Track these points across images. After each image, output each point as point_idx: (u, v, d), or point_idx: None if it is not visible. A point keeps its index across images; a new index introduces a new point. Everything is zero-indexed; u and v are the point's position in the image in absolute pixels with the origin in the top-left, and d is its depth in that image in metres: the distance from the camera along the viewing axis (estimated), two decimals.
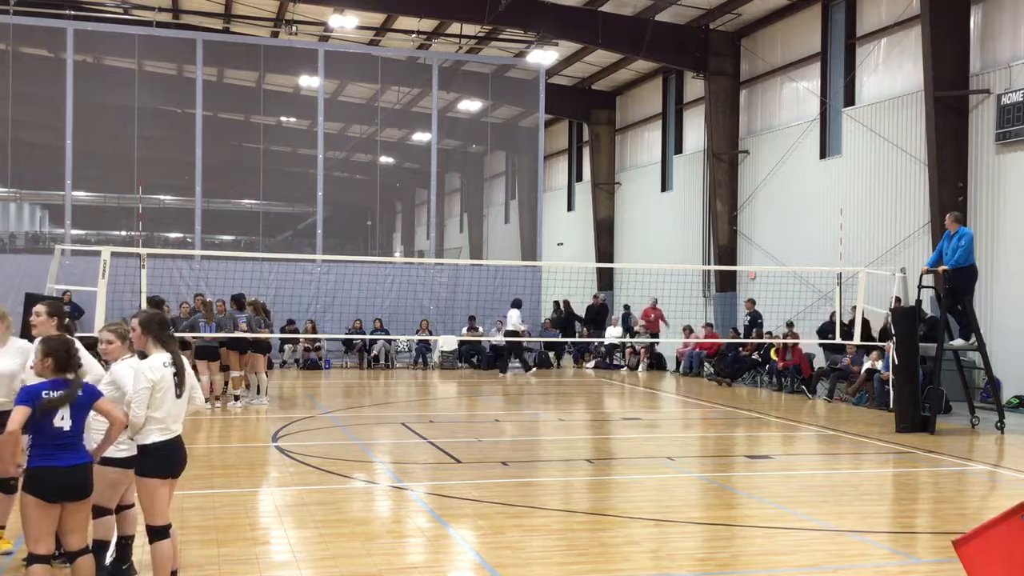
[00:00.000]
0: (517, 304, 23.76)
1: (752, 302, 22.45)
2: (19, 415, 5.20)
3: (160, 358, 5.80)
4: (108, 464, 5.91)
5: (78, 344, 6.50)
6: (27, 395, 5.29)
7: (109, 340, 6.07)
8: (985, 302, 17.24)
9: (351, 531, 7.74)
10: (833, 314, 18.10)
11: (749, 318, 22.29)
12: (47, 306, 6.59)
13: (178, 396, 5.84)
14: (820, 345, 19.43)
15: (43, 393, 5.28)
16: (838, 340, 17.88)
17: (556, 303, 27.40)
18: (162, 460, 5.76)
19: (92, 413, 5.55)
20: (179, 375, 5.84)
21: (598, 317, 27.30)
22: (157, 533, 5.77)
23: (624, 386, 21.39)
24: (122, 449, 5.96)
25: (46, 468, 5.26)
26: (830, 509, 8.78)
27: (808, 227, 22.31)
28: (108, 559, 6.37)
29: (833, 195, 21.53)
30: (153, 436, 5.72)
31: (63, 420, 5.31)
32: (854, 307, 17.51)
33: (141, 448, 5.76)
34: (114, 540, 6.45)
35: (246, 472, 10.45)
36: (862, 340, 17.07)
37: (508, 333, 23.69)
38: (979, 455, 12.24)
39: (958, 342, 14.54)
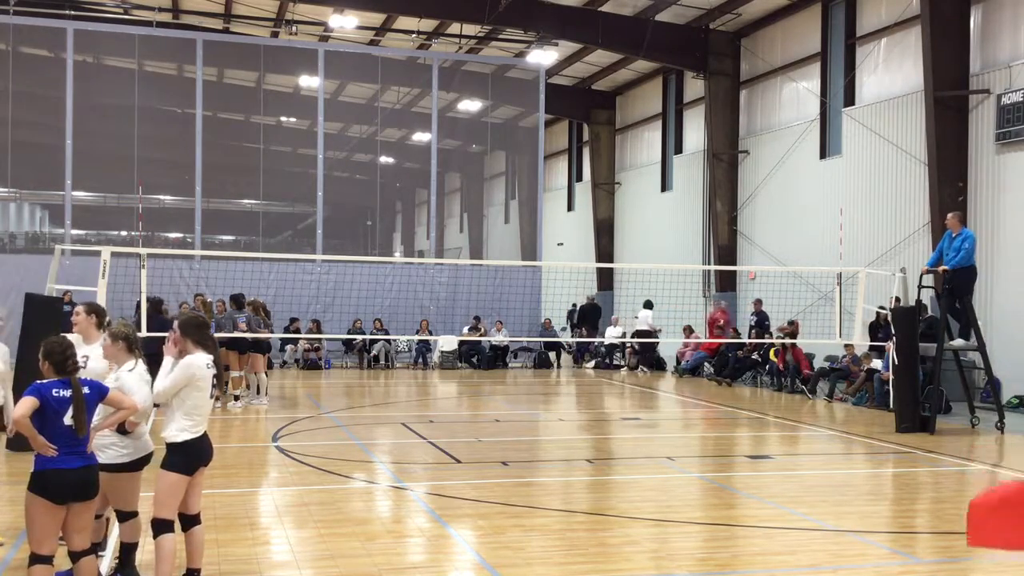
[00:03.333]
0: (649, 305, 24.16)
1: (759, 302, 22.46)
2: (25, 404, 5.21)
3: (204, 358, 5.87)
4: (112, 470, 5.93)
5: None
6: (35, 389, 5.30)
7: (103, 339, 6.10)
8: (985, 302, 17.25)
9: (351, 531, 7.74)
10: (881, 315, 17.73)
11: (756, 319, 22.26)
12: (85, 305, 6.67)
13: (210, 396, 5.97)
14: (872, 347, 18.66)
15: (53, 391, 5.29)
16: (837, 339, 17.88)
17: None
18: (188, 457, 5.85)
19: (100, 411, 5.59)
20: (217, 377, 5.98)
21: (590, 316, 27.43)
22: (162, 526, 5.79)
23: (624, 386, 21.39)
24: (124, 454, 5.98)
25: (56, 470, 5.26)
26: (830, 509, 8.78)
27: (808, 227, 22.31)
28: (111, 563, 6.38)
29: (833, 195, 21.53)
30: (184, 435, 5.80)
31: (72, 419, 5.31)
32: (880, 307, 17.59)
33: (171, 446, 5.81)
34: (112, 543, 6.46)
35: (246, 472, 10.45)
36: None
37: (641, 333, 24.02)
38: (979, 455, 12.24)
39: (958, 342, 14.54)
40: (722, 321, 23.19)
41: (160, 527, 5.79)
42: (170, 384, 5.77)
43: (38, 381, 5.43)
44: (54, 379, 5.36)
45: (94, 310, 6.64)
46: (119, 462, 5.95)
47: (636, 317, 24.46)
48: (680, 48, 25.16)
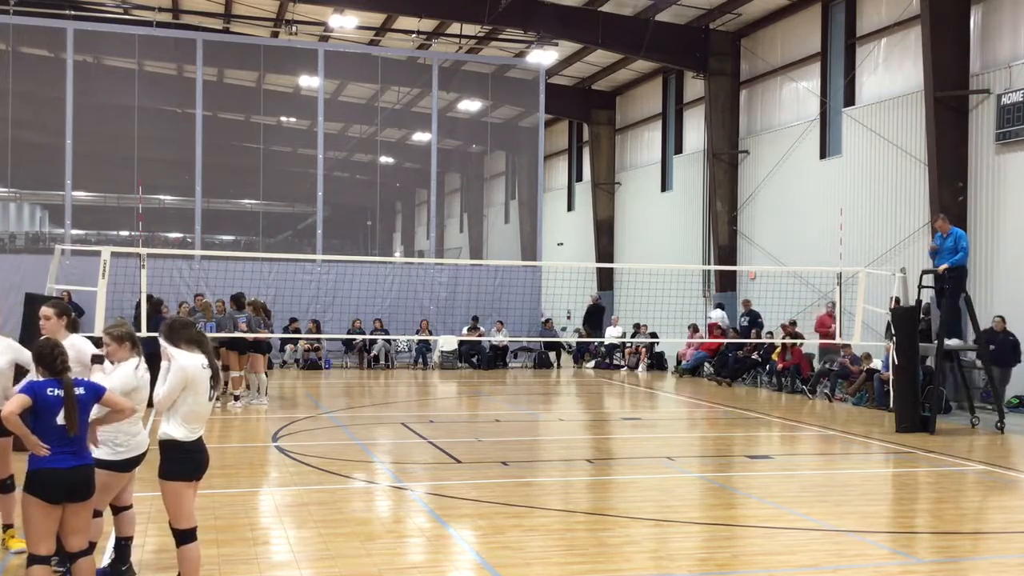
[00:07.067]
0: (721, 306, 24.21)
1: (748, 302, 22.43)
2: (16, 402, 5.20)
3: (199, 359, 5.80)
4: (101, 467, 5.84)
5: (83, 342, 6.51)
6: (29, 388, 5.30)
7: (106, 343, 6.08)
8: (985, 302, 17.23)
9: (351, 531, 7.74)
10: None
11: (748, 319, 22.27)
12: (54, 307, 6.59)
13: (209, 399, 5.88)
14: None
15: (47, 390, 5.29)
16: (838, 339, 17.89)
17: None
18: (186, 463, 5.76)
19: (96, 409, 5.58)
20: (215, 378, 5.88)
21: (593, 317, 27.49)
22: (184, 536, 5.77)
23: (624, 386, 21.39)
24: (119, 451, 5.94)
25: (49, 469, 5.26)
26: (830, 509, 8.78)
27: (808, 227, 22.31)
28: (107, 560, 6.38)
29: (833, 195, 21.52)
30: (179, 435, 5.70)
31: (64, 419, 5.30)
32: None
33: (166, 447, 5.73)
34: (112, 541, 6.45)
35: (246, 472, 10.45)
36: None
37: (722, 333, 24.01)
38: (979, 455, 12.24)
39: (955, 342, 14.56)
40: (832, 327, 18.89)
41: (181, 537, 5.77)
42: (167, 390, 5.66)
43: (31, 380, 5.43)
44: (49, 378, 5.36)
45: (64, 312, 6.63)
46: (110, 459, 5.91)
47: (709, 318, 24.41)
48: (680, 48, 25.14)
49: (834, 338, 18.88)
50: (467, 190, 39.15)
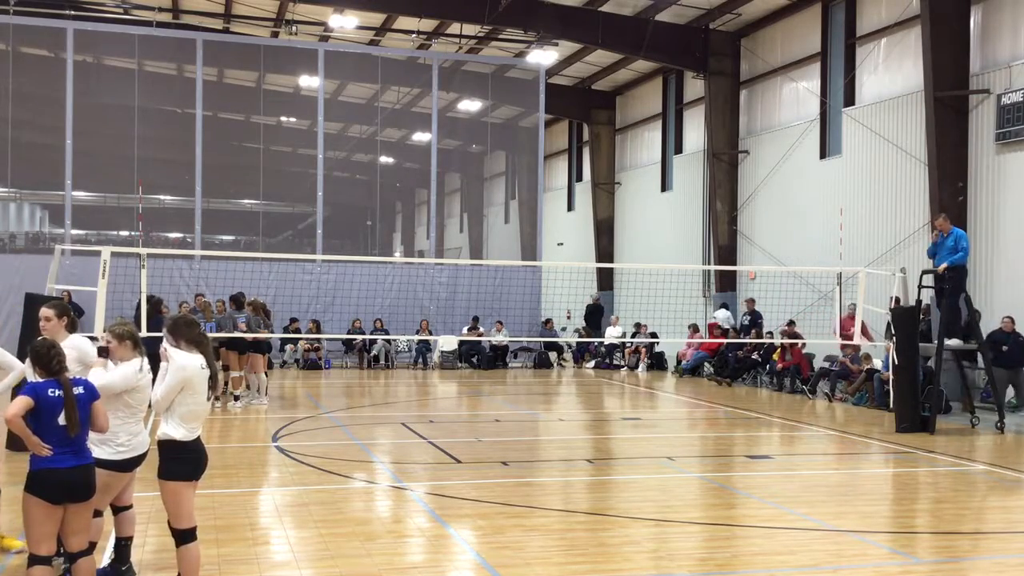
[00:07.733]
0: (725, 306, 24.23)
1: (752, 301, 22.45)
2: (18, 404, 5.20)
3: (197, 359, 5.80)
4: (102, 466, 5.83)
5: (83, 342, 6.51)
6: (31, 389, 5.31)
7: (107, 340, 6.07)
8: (985, 302, 17.25)
9: (351, 531, 7.74)
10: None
11: (749, 318, 22.29)
12: (54, 308, 6.53)
13: (207, 399, 5.88)
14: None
15: (48, 391, 5.29)
16: (837, 339, 17.89)
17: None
18: (186, 463, 5.76)
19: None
20: (212, 379, 5.89)
21: (592, 317, 27.49)
22: (184, 536, 5.77)
23: (624, 386, 21.39)
24: (120, 451, 5.93)
25: (49, 469, 5.26)
26: (830, 509, 8.78)
27: (808, 227, 22.31)
28: (107, 560, 6.38)
29: (833, 195, 21.53)
30: (178, 435, 5.70)
31: (64, 419, 5.30)
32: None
33: (165, 447, 5.72)
34: (112, 541, 6.45)
35: (246, 472, 10.45)
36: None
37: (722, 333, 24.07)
38: (979, 455, 12.24)
39: (955, 342, 14.56)
40: (852, 330, 17.46)
41: (181, 537, 5.78)
42: (164, 390, 5.67)
43: (31, 381, 5.43)
44: (48, 379, 5.36)
45: (64, 312, 6.58)
46: (111, 459, 5.89)
47: (713, 318, 24.42)
48: (680, 48, 25.15)
49: (852, 339, 17.64)
50: (467, 190, 39.14)
